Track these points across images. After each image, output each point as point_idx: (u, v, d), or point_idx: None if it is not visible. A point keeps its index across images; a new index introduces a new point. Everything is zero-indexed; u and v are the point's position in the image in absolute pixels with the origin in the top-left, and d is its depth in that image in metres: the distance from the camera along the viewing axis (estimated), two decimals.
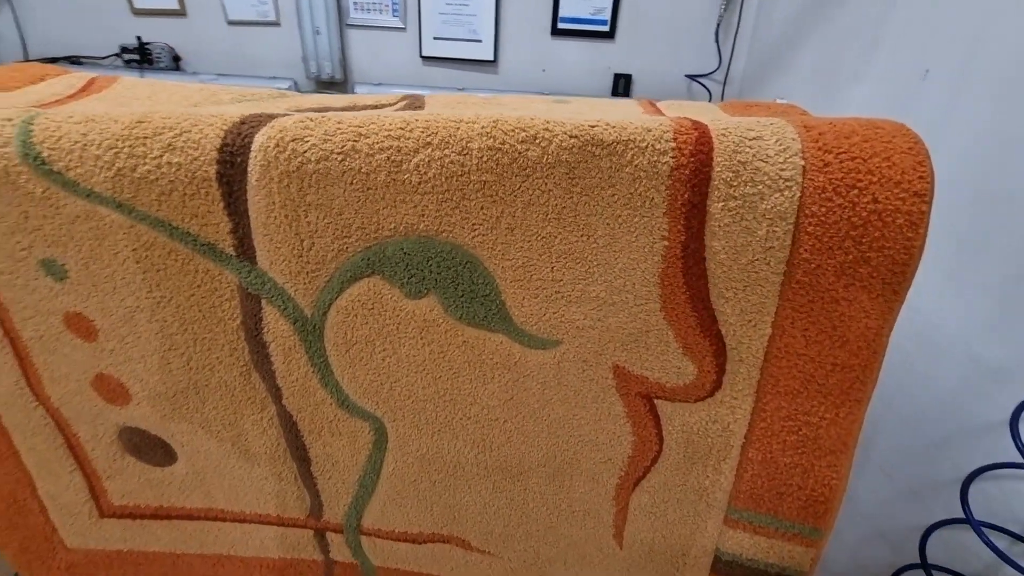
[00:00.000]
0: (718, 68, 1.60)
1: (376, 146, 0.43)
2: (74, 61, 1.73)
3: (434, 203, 0.45)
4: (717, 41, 1.56)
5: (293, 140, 0.44)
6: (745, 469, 0.52)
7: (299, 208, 0.46)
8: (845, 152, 0.41)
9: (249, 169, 0.45)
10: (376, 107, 0.68)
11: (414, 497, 0.64)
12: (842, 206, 0.41)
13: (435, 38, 1.62)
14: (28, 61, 1.75)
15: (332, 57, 1.64)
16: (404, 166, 0.44)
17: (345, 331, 0.53)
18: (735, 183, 0.41)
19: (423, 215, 0.46)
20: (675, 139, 0.41)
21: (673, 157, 0.41)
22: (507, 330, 0.51)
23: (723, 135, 0.41)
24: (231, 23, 1.66)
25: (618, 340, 0.49)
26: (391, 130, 0.44)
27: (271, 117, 0.46)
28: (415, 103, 0.67)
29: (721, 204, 0.42)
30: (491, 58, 1.63)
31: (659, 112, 0.63)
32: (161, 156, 0.45)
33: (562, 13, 1.56)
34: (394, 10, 1.60)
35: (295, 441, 0.61)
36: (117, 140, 0.45)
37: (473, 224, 0.46)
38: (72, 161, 0.46)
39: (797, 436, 0.49)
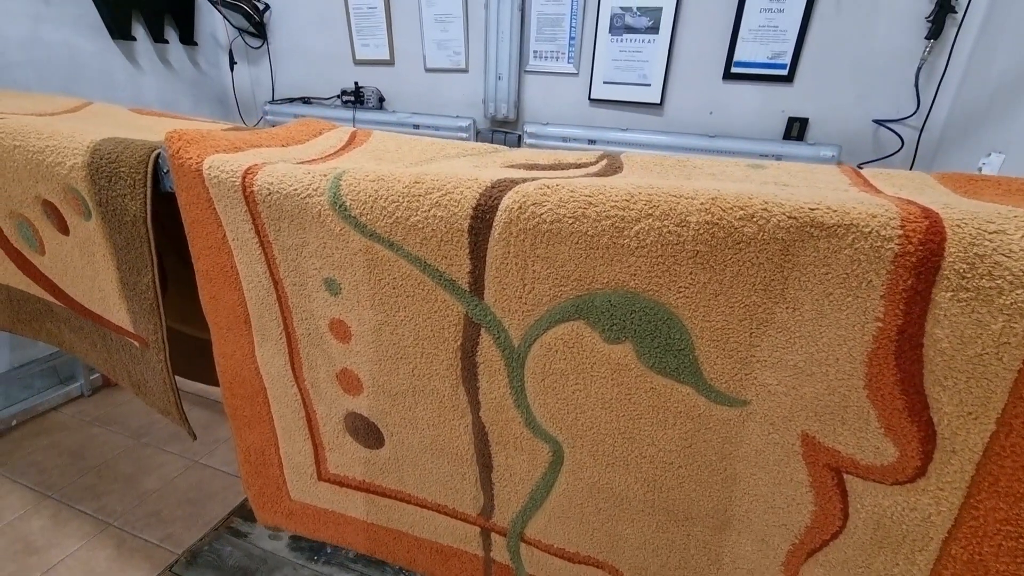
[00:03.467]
0: (914, 114, 1.46)
1: (603, 214, 0.51)
2: (306, 101, 2.14)
3: (647, 265, 0.51)
4: (917, 84, 1.43)
5: (533, 204, 0.53)
6: (945, 567, 0.49)
7: (528, 259, 0.55)
8: None
9: (494, 224, 0.55)
10: (577, 165, 0.77)
11: (578, 519, 0.69)
12: None
13: (605, 82, 1.71)
14: (274, 101, 2.20)
15: (509, 99, 1.81)
16: (625, 232, 0.50)
17: (544, 363, 0.61)
18: (968, 275, 0.41)
19: (635, 274, 0.52)
20: (903, 227, 0.42)
21: (899, 244, 0.42)
22: (695, 383, 0.55)
23: (958, 226, 0.41)
24: (428, 70, 1.93)
25: (811, 409, 0.51)
26: (617, 201, 0.51)
27: (514, 183, 0.56)
28: (614, 163, 0.75)
29: (950, 294, 0.42)
30: (658, 101, 1.68)
31: (868, 183, 0.62)
32: (429, 211, 0.57)
33: (737, 57, 1.56)
34: (569, 57, 1.73)
35: (483, 449, 0.71)
36: (399, 196, 0.59)
37: (680, 287, 0.51)
38: (365, 209, 0.60)
39: (1017, 543, 0.45)
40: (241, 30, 2.12)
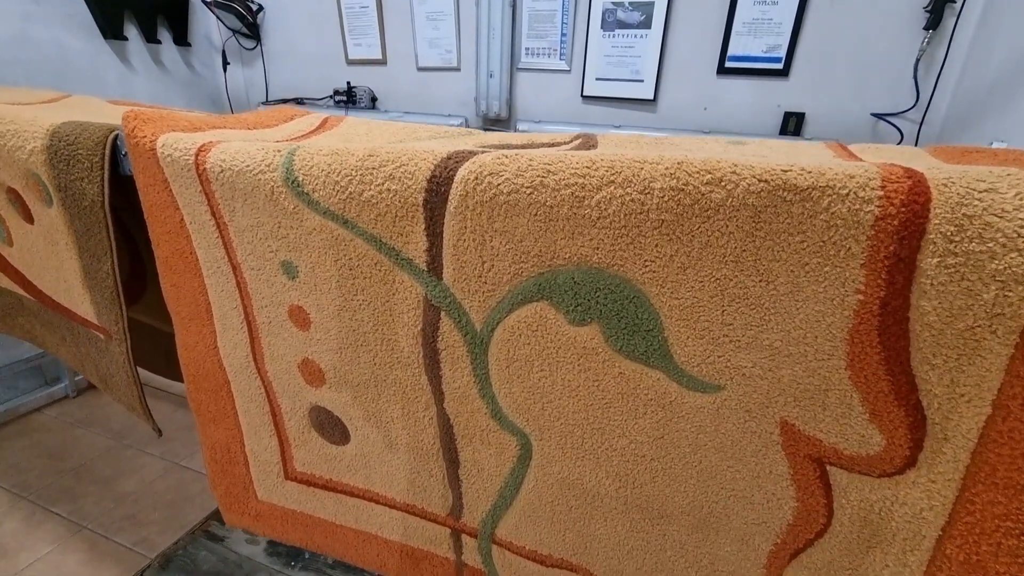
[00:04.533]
0: (914, 106, 1.42)
1: (562, 182, 0.47)
2: (299, 101, 2.13)
3: (610, 237, 0.47)
4: (916, 76, 1.39)
5: (490, 174, 0.50)
6: (939, 568, 0.45)
7: (486, 234, 0.52)
8: None
9: (450, 198, 0.52)
10: (552, 144, 0.74)
11: (549, 518, 0.65)
12: None
13: (597, 79, 1.68)
14: (268, 101, 2.20)
15: (500, 97, 1.79)
16: (586, 202, 0.47)
17: (508, 348, 0.57)
18: (957, 238, 0.37)
19: (597, 248, 0.48)
20: (883, 187, 0.38)
21: (879, 206, 0.38)
22: (665, 368, 0.51)
23: (944, 185, 0.37)
24: (420, 69, 1.91)
25: (789, 394, 0.46)
26: (577, 168, 0.47)
27: (472, 154, 0.53)
28: (588, 142, 0.71)
29: (937, 260, 0.38)
30: (651, 97, 1.65)
31: (853, 156, 0.58)
32: (383, 184, 0.54)
33: (731, 52, 1.53)
34: (561, 54, 1.70)
35: (449, 443, 0.67)
36: (352, 170, 0.55)
37: (645, 260, 0.47)
38: (318, 185, 0.57)
39: (1018, 541, 0.41)
40: (235, 31, 2.11)
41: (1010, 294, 0.36)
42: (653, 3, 1.56)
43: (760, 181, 0.41)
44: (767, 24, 1.48)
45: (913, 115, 1.43)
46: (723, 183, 0.42)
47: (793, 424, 0.47)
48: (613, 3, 1.59)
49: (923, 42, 1.37)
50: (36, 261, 0.93)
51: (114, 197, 0.75)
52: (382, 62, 1.97)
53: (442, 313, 0.58)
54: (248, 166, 0.60)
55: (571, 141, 0.73)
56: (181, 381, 1.11)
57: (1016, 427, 0.39)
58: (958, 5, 1.32)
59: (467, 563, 0.76)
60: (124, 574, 1.17)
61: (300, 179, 0.58)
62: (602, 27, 1.63)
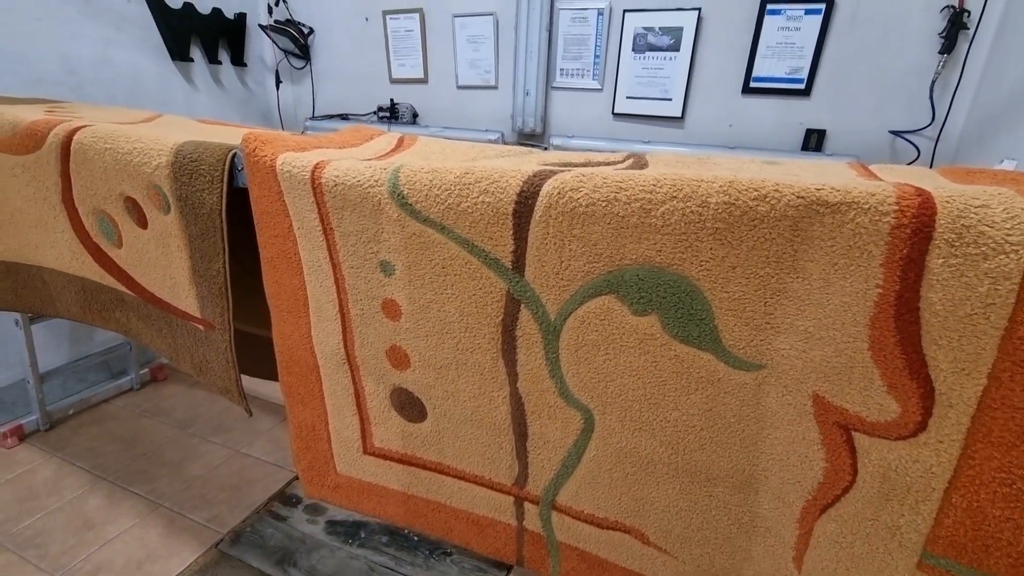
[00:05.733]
0: (930, 124, 1.51)
1: (633, 197, 0.58)
2: (344, 117, 2.27)
3: (671, 242, 0.58)
4: (931, 97, 1.48)
5: (571, 189, 0.61)
6: (946, 514, 0.54)
7: (565, 238, 0.63)
8: None
9: (535, 208, 0.63)
10: (607, 164, 0.85)
11: (607, 484, 0.75)
12: None
13: (628, 97, 1.80)
14: (315, 117, 2.35)
15: (536, 114, 1.91)
16: (652, 212, 0.58)
17: (578, 335, 0.68)
18: (957, 244, 0.47)
19: (660, 250, 0.59)
20: (898, 203, 0.49)
21: (895, 217, 0.49)
22: (715, 350, 0.61)
23: (947, 202, 0.48)
24: (460, 87, 2.05)
25: (820, 371, 0.56)
26: (645, 185, 0.58)
27: (553, 173, 0.64)
28: (639, 161, 0.83)
29: (941, 261, 0.48)
30: (679, 115, 1.76)
31: (874, 176, 0.68)
32: (478, 197, 0.65)
33: (756, 73, 1.63)
34: (594, 74, 1.82)
35: (519, 418, 0.77)
36: (451, 185, 0.67)
37: (701, 261, 0.58)
38: (420, 197, 0.69)
39: (1011, 489, 0.50)
40: (287, 52, 2.27)
41: (999, 287, 0.46)
42: (682, 28, 1.67)
43: (798, 197, 0.52)
44: (790, 48, 1.59)
45: (929, 132, 1.52)
46: (767, 199, 0.53)
47: (823, 396, 0.57)
48: (644, 28, 1.71)
49: (938, 65, 1.46)
50: (144, 261, 1.06)
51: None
52: (423, 80, 2.11)
53: (522, 305, 0.69)
54: (358, 181, 0.72)
55: (624, 160, 0.84)
56: (251, 375, 1.24)
57: (1007, 395, 0.49)
58: (971, 31, 1.41)
59: (528, 528, 0.86)
60: (200, 547, 1.29)
61: (405, 192, 0.69)
62: (633, 50, 1.75)
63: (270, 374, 1.13)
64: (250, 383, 1.11)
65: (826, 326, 0.54)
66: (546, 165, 0.85)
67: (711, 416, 0.64)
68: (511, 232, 0.65)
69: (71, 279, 1.24)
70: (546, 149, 1.97)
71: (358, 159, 0.83)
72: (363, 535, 1.34)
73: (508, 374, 0.75)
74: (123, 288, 1.16)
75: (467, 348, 0.76)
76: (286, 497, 1.45)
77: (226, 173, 0.85)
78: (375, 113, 2.19)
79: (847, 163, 0.75)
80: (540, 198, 0.63)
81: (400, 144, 0.99)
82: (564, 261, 0.64)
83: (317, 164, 0.75)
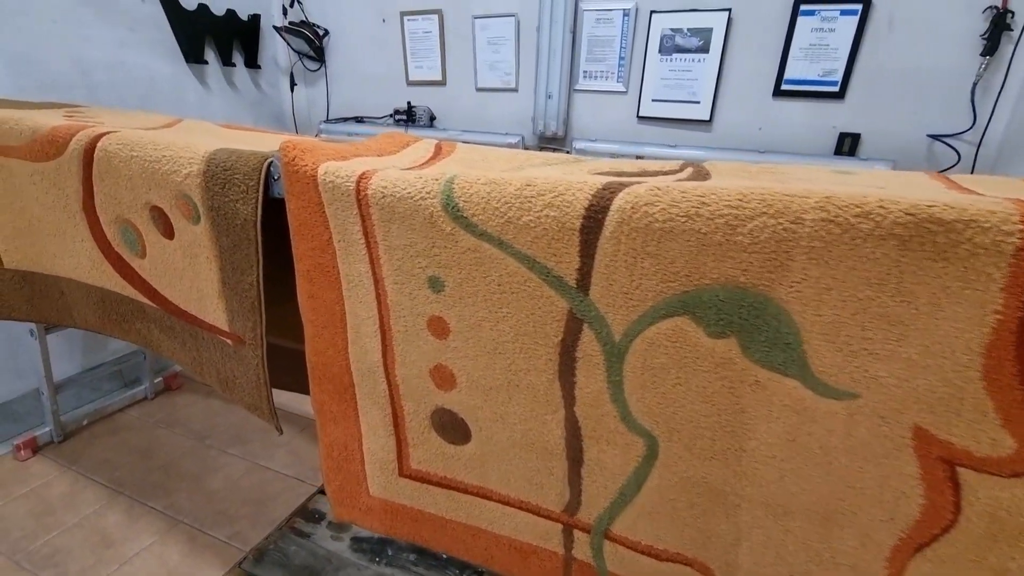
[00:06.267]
0: (970, 128, 1.47)
1: (717, 212, 0.54)
2: (359, 120, 2.23)
3: (759, 261, 0.54)
4: (972, 100, 1.44)
5: (646, 204, 0.57)
6: None
7: (638, 256, 0.59)
8: None
9: (605, 224, 0.59)
10: (662, 172, 0.81)
11: (669, 514, 0.71)
12: None
13: (653, 100, 1.76)
14: (329, 120, 2.31)
15: (558, 117, 1.87)
16: (739, 229, 0.53)
17: (645, 358, 0.63)
18: None
19: (746, 270, 0.55)
20: (1023, 221, 0.44)
21: (1020, 238, 0.44)
22: (802, 377, 0.57)
23: None
24: (479, 90, 2.01)
25: (924, 401, 0.52)
26: (729, 200, 0.54)
27: (624, 185, 0.60)
28: (700, 171, 0.78)
29: None
30: (707, 118, 1.71)
31: (962, 187, 0.64)
32: (542, 211, 0.61)
33: (788, 76, 1.59)
34: (619, 76, 1.78)
35: (574, 443, 0.73)
36: (511, 197, 0.63)
37: (792, 281, 0.53)
38: (478, 210, 0.65)
39: None
40: (301, 54, 2.24)
41: None
42: (711, 29, 1.63)
43: (907, 215, 0.48)
44: (824, 50, 1.55)
45: (970, 137, 1.48)
46: (871, 216, 0.49)
47: (926, 429, 0.53)
48: (672, 29, 1.67)
49: (980, 67, 1.42)
50: (169, 272, 1.02)
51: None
52: (441, 83, 2.07)
53: (584, 325, 0.65)
54: (408, 192, 0.68)
55: (681, 170, 0.79)
56: (276, 387, 1.20)
57: None
58: (1015, 33, 1.37)
59: (576, 557, 0.82)
60: (223, 566, 1.25)
61: (460, 205, 0.65)
62: (660, 51, 1.71)
63: (294, 386, 1.09)
64: None
65: (933, 353, 0.50)
66: (599, 174, 0.81)
67: (793, 447, 0.60)
68: (577, 248, 0.61)
69: (90, 289, 1.20)
70: (568, 152, 1.93)
71: (398, 168, 0.79)
72: (390, 552, 1.30)
73: (564, 397, 0.71)
74: (145, 299, 1.12)
75: (521, 369, 0.71)
76: (308, 512, 1.41)
77: (262, 183, 0.81)
78: (391, 116, 2.15)
79: (924, 173, 0.71)
80: (611, 213, 0.58)
81: (439, 151, 0.95)
82: (635, 280, 0.60)
83: (363, 174, 0.71)
